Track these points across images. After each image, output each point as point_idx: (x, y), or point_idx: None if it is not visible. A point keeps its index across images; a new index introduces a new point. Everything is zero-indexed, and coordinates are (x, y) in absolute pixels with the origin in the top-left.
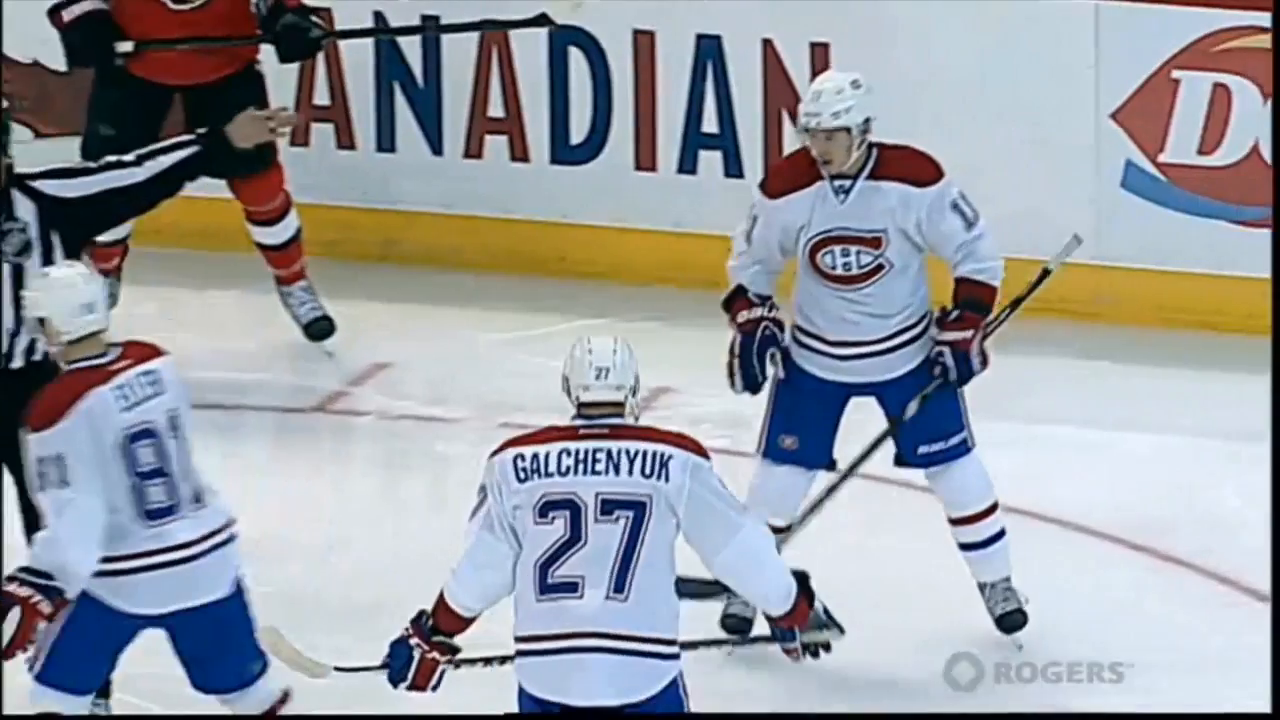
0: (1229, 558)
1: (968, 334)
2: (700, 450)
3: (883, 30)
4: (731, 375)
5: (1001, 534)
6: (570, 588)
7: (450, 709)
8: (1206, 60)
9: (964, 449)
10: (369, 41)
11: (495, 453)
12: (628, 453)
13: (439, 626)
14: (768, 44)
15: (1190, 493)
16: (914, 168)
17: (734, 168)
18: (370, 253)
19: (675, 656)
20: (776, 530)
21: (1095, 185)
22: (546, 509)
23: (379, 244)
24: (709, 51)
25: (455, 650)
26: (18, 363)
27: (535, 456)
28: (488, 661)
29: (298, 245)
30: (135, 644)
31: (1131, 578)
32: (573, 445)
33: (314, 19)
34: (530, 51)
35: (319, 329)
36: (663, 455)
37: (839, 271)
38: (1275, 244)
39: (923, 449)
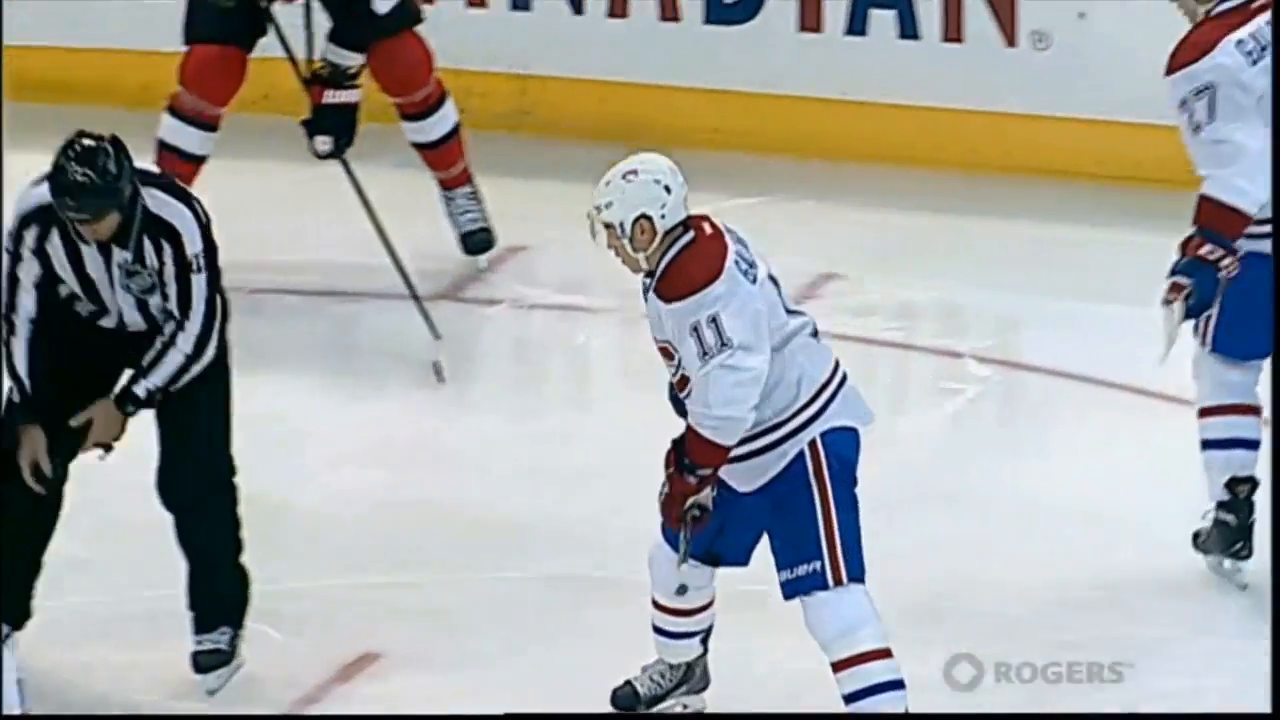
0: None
1: (673, 493)
2: None
3: None
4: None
5: (874, 690)
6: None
7: (450, 709)
8: None
9: (816, 580)
10: None
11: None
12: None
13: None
14: None
15: None
16: (671, 278)
17: (909, 28)
18: (501, 122)
19: None
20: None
21: None
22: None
23: (511, 113)
24: None
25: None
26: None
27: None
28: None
29: (456, 143)
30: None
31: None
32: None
33: None
34: None
35: (477, 242)
36: None
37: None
38: (1276, 241)
39: (781, 575)
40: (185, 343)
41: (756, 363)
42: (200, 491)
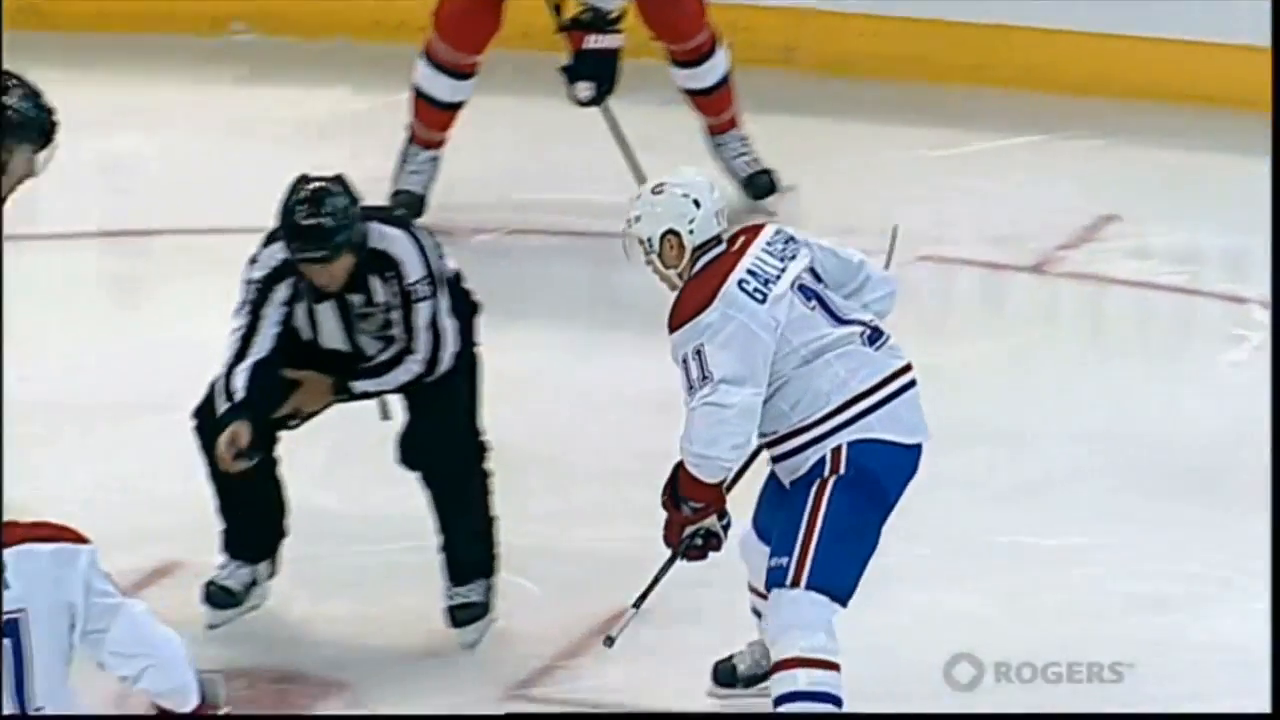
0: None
1: (670, 521)
2: None
3: None
4: None
5: (796, 697)
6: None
7: (449, 709)
8: None
9: (779, 576)
10: None
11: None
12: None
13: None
14: None
15: None
16: (673, 307)
17: None
18: (768, 57)
19: None
20: None
21: None
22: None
23: (779, 49)
24: None
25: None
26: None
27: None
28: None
29: (727, 90)
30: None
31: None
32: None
33: None
34: None
35: (760, 185)
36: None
37: None
38: (1275, 234)
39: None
40: (414, 364)
41: (740, 398)
42: (447, 452)
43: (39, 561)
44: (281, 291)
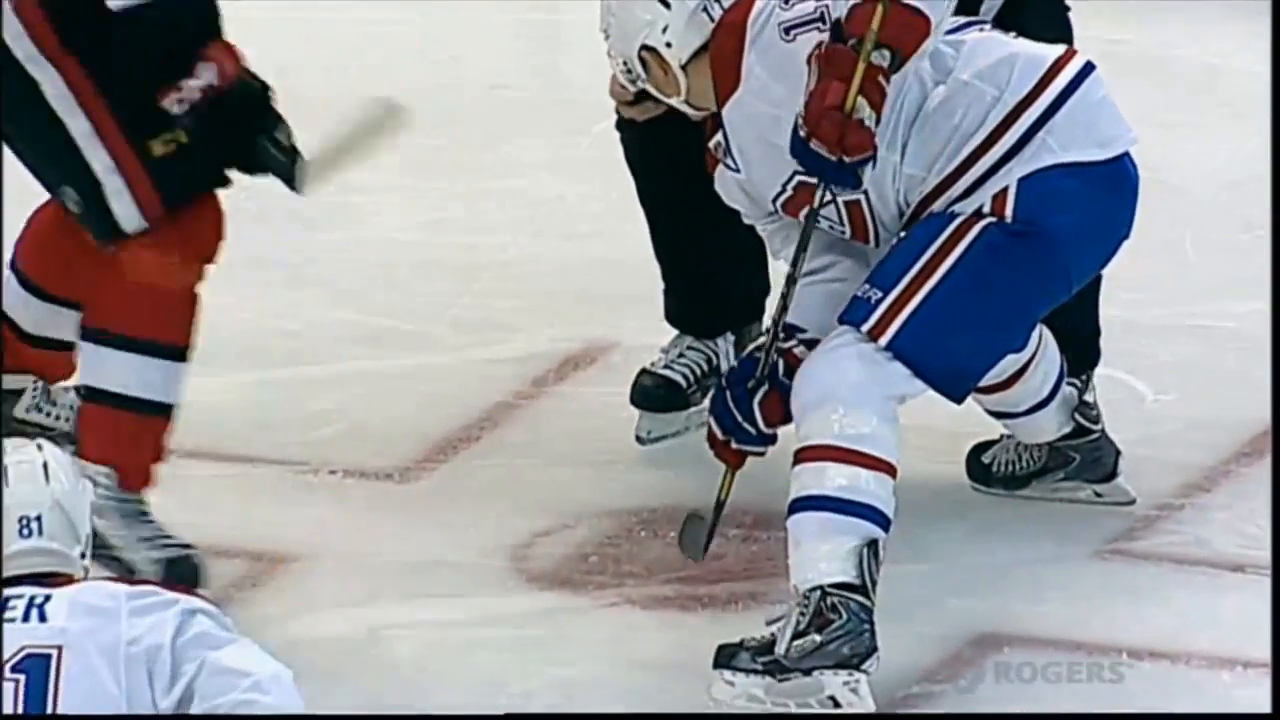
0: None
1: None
2: None
3: None
4: None
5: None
6: None
7: (451, 707)
8: None
9: (856, 313)
10: None
11: None
12: None
13: None
14: None
15: None
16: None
17: None
18: None
19: None
20: None
21: None
22: None
23: None
24: None
25: None
26: None
27: None
28: None
29: None
30: None
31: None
32: None
33: None
34: None
35: None
36: None
37: None
38: (1275, 249)
39: None
40: None
41: None
42: None
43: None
44: None
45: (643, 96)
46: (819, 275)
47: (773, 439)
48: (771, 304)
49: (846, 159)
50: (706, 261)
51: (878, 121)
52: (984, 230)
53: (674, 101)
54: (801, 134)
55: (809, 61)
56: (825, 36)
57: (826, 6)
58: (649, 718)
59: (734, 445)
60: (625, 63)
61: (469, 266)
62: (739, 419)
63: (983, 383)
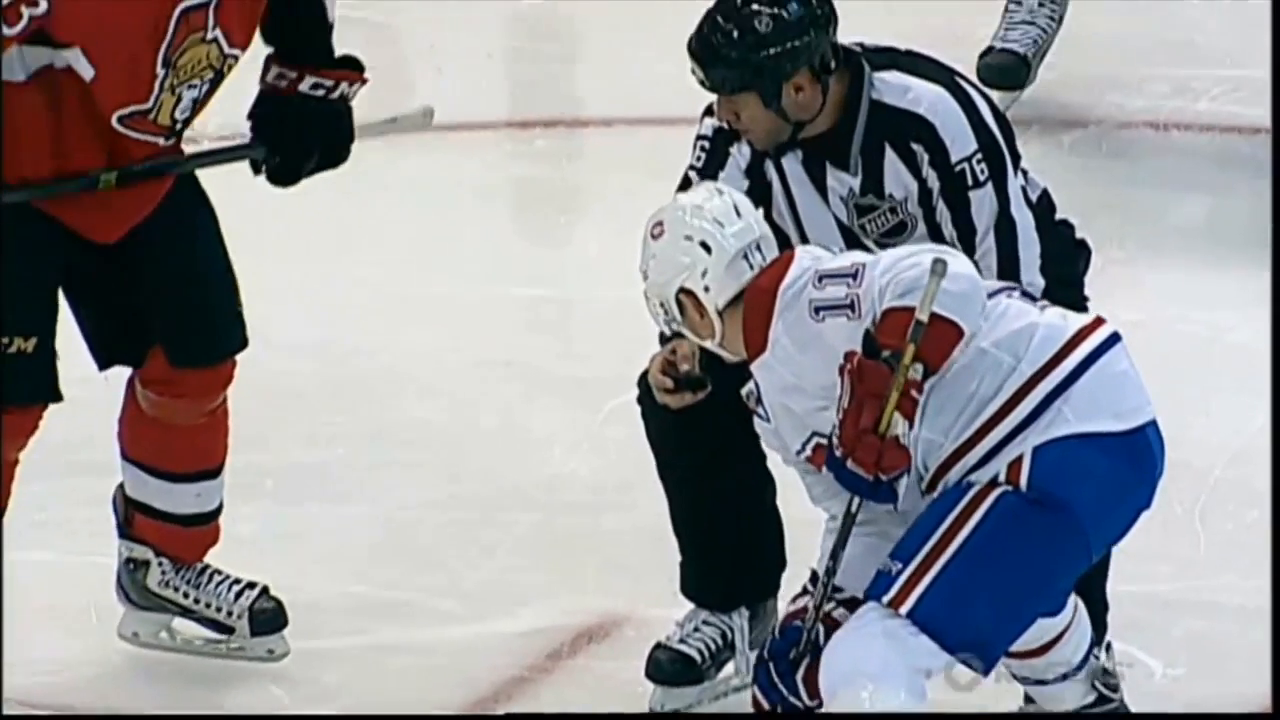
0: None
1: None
2: None
3: None
4: None
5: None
6: None
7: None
8: None
9: (880, 586)
10: None
11: None
12: None
13: None
14: None
15: None
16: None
17: None
18: None
19: None
20: None
21: None
22: None
23: None
24: None
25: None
26: None
27: None
28: None
29: None
30: None
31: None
32: None
33: None
34: None
35: (1008, 70)
36: None
37: None
38: (1275, 242)
39: None
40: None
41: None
42: None
43: None
44: (743, 156)
45: (682, 386)
46: (857, 529)
47: (819, 706)
48: (787, 580)
49: (884, 477)
50: (724, 536)
51: (911, 427)
52: (999, 498)
53: (708, 344)
54: (838, 454)
55: (841, 373)
56: (853, 326)
57: (857, 295)
58: (649, 718)
59: (779, 711)
60: (662, 304)
61: (482, 538)
62: (784, 693)
63: (1017, 648)
